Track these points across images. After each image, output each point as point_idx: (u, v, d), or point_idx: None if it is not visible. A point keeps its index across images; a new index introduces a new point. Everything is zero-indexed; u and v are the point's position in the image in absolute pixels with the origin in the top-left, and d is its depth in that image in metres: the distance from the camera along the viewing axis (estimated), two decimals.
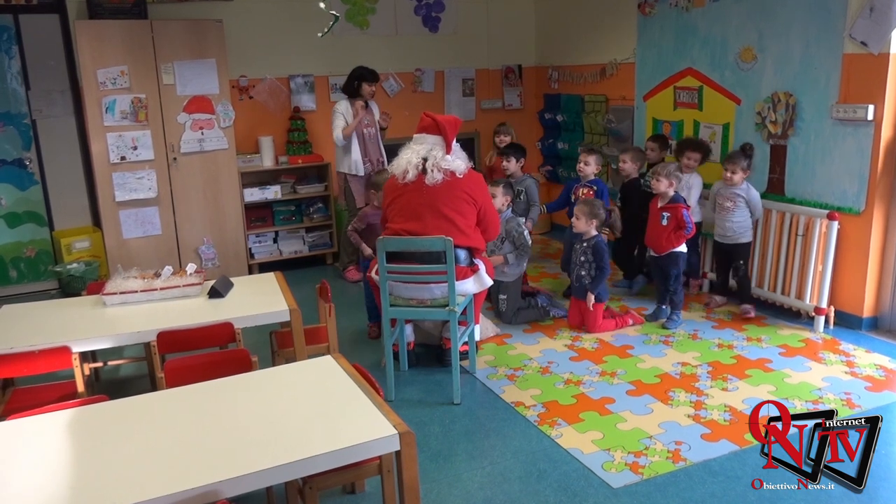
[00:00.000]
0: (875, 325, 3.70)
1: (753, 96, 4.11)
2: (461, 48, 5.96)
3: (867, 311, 3.68)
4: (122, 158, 4.67)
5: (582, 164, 4.27)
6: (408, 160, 3.11)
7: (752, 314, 3.90)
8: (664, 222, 3.77)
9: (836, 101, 3.60)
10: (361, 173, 4.84)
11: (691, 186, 4.10)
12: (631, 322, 3.89)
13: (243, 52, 5.21)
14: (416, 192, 3.08)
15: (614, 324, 3.86)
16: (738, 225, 3.85)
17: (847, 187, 3.63)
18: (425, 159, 3.07)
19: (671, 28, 4.64)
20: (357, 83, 4.81)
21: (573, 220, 3.88)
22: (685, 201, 3.82)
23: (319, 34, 4.99)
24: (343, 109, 4.79)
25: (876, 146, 3.47)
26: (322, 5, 4.48)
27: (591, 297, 3.76)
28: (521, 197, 4.41)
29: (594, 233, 3.82)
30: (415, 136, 3.19)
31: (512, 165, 4.50)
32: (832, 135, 3.67)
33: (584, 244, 3.83)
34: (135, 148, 4.68)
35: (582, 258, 3.82)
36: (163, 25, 4.65)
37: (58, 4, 4.75)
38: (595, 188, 4.22)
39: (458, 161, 3.13)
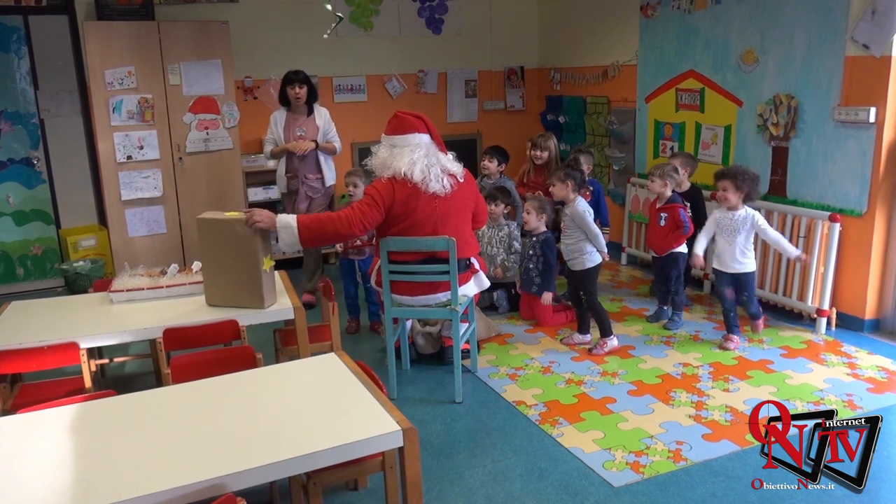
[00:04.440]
0: (877, 327, 3.71)
1: (755, 98, 4.12)
2: (464, 50, 5.99)
3: (869, 313, 3.69)
4: (129, 158, 4.71)
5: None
6: (422, 170, 2.91)
7: (596, 349, 3.51)
8: (662, 223, 3.77)
9: (838, 104, 3.62)
10: (283, 190, 4.35)
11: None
12: None
13: (248, 53, 5.24)
14: (427, 205, 2.96)
15: (565, 317, 3.98)
16: (568, 248, 3.55)
17: (849, 189, 3.64)
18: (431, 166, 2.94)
19: (673, 30, 4.66)
20: (283, 89, 4.22)
21: (524, 215, 3.94)
22: (682, 201, 3.80)
23: (324, 35, 5.04)
24: (274, 120, 4.25)
25: (878, 148, 3.49)
26: (328, 7, 4.51)
27: (548, 296, 3.88)
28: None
29: (543, 228, 3.91)
30: (404, 136, 2.96)
31: (493, 167, 4.39)
32: (834, 137, 3.68)
33: (534, 239, 3.91)
34: (141, 147, 4.72)
35: (531, 252, 3.91)
36: (169, 27, 4.69)
37: (66, 5, 4.79)
38: (591, 188, 4.22)
39: (453, 162, 3.07)
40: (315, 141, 4.22)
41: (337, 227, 2.88)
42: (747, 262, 3.44)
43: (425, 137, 3.02)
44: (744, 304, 3.54)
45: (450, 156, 3.09)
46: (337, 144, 4.35)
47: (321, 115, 4.31)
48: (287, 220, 2.80)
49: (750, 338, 3.66)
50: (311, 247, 3.03)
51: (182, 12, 4.96)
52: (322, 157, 4.28)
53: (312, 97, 4.28)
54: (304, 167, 4.24)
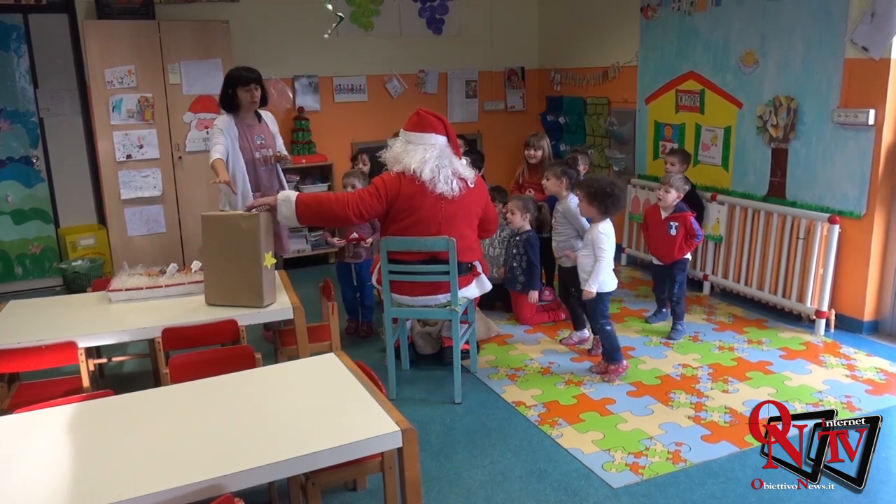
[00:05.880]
0: (876, 328, 3.71)
1: (755, 100, 4.12)
2: (464, 50, 5.99)
3: (868, 315, 3.69)
4: (128, 157, 4.71)
5: None
6: (432, 170, 2.91)
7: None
8: (673, 232, 3.66)
9: (838, 106, 3.62)
10: (239, 208, 3.44)
11: None
12: (564, 317, 4.01)
13: (249, 53, 5.23)
14: (433, 206, 2.96)
15: (547, 317, 4.01)
16: (559, 245, 3.57)
17: (848, 191, 3.64)
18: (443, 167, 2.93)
19: (673, 31, 4.66)
20: (231, 91, 3.46)
21: (508, 215, 3.95)
22: (688, 208, 3.73)
23: (325, 35, 5.03)
24: (223, 125, 3.44)
25: (877, 150, 3.49)
26: (328, 6, 4.51)
27: (534, 294, 3.90)
28: None
29: (527, 227, 3.93)
30: (421, 134, 2.98)
31: None
32: (833, 139, 3.68)
33: (517, 238, 3.93)
34: (141, 146, 4.72)
35: (514, 251, 3.93)
36: (170, 26, 4.69)
37: (66, 4, 4.79)
38: None
39: (466, 167, 3.07)
40: (286, 155, 3.67)
41: (333, 207, 2.93)
42: (586, 283, 3.11)
43: (441, 139, 3.02)
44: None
45: (464, 161, 3.10)
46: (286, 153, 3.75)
47: (271, 120, 3.71)
48: (287, 194, 2.90)
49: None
50: (307, 224, 3.05)
51: (182, 12, 4.96)
52: (280, 171, 3.72)
53: (264, 101, 3.58)
54: (271, 180, 3.66)
